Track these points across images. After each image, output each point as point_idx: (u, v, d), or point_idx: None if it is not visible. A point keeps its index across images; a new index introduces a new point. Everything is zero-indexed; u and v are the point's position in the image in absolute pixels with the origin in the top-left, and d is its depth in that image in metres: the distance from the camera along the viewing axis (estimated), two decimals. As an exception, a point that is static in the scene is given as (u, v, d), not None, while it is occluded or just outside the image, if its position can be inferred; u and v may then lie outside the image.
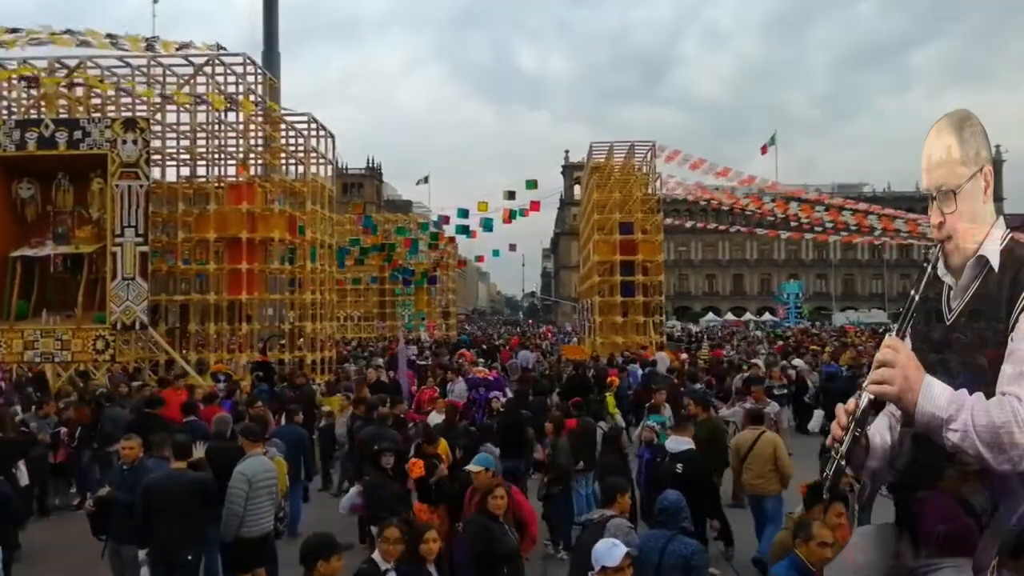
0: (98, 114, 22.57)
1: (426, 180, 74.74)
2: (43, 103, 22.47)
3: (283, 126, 24.39)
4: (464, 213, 32.30)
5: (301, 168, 25.10)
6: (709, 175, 34.98)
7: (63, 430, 12.18)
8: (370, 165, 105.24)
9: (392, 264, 40.01)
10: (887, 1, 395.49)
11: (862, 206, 38.26)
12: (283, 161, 25.44)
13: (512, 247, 44.89)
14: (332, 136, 25.07)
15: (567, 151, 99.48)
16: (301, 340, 24.07)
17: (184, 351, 22.38)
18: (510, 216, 32.26)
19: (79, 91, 22.79)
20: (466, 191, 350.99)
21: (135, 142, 20.53)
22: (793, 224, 42.72)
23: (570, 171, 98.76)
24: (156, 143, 23.19)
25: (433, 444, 8.76)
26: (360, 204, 52.64)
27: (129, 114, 22.22)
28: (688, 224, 54.27)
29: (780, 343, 33.78)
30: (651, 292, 33.96)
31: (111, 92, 22.71)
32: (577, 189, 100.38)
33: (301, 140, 24.81)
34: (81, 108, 22.70)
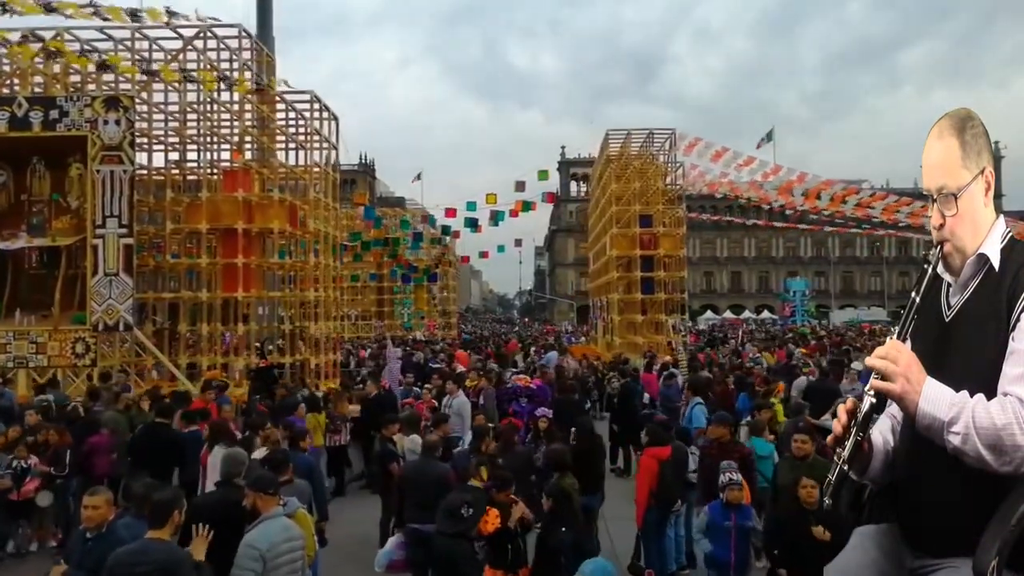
0: (77, 92, 20.56)
1: (419, 177, 72.27)
2: (15, 79, 20.51)
3: (282, 106, 22.30)
4: (473, 206, 30.71)
5: (302, 153, 23.03)
6: (731, 166, 32.94)
7: (33, 460, 9.98)
8: (363, 161, 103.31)
9: (396, 260, 38.04)
10: (877, 1, 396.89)
11: (891, 198, 36.25)
12: (282, 145, 23.38)
13: (518, 242, 43.53)
14: (336, 118, 22.90)
15: (563, 147, 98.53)
16: (303, 342, 22.02)
17: (173, 355, 20.63)
18: (522, 207, 30.58)
19: (56, 67, 20.79)
20: (459, 189, 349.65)
21: (118, 122, 18.86)
22: (814, 217, 40.73)
23: (566, 167, 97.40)
24: (142, 124, 21.42)
25: (506, 489, 6.67)
26: (363, 194, 50.31)
27: (111, 92, 20.33)
28: (703, 217, 52.11)
29: (813, 343, 31.73)
30: (671, 289, 32.11)
31: (91, 68, 20.63)
32: (574, 185, 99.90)
33: (302, 122, 22.69)
34: (58, 85, 20.75)
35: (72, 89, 20.91)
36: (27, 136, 18.76)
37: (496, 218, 30.36)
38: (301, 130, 22.89)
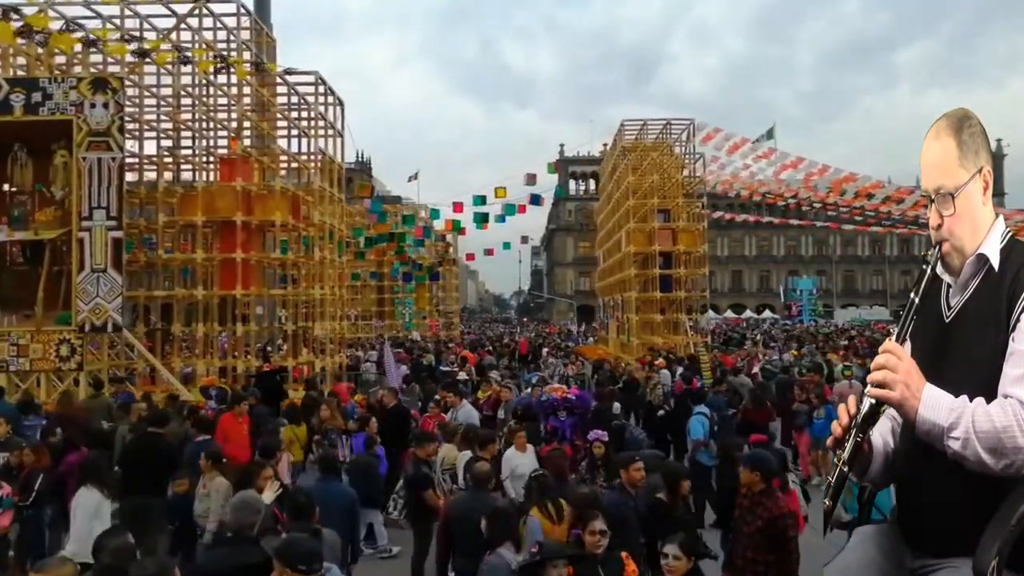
0: (62, 73, 19.53)
1: (415, 177, 71.23)
2: (-6, 59, 19.35)
3: (283, 89, 21.05)
4: (481, 200, 29.47)
5: (305, 140, 21.79)
6: (749, 157, 31.70)
7: (5, 491, 8.48)
8: (360, 159, 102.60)
9: (402, 257, 36.78)
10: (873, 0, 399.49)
11: (918, 193, 34.91)
12: (283, 131, 22.22)
13: (524, 239, 42.54)
14: (341, 103, 21.56)
15: (562, 145, 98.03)
16: (305, 344, 20.77)
17: (167, 358, 19.53)
18: (532, 200, 29.46)
19: (39, 46, 19.54)
20: (455, 188, 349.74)
21: (106, 106, 17.73)
22: (831, 214, 39.49)
23: (565, 166, 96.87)
24: (132, 108, 20.45)
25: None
26: (368, 186, 48.85)
27: (99, 73, 19.20)
28: (716, 215, 50.89)
29: (845, 343, 30.39)
30: (691, 287, 30.78)
31: (77, 47, 19.36)
32: (572, 184, 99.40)
33: (305, 106, 21.42)
34: (41, 66, 19.59)
35: (56, 70, 19.78)
36: (8, 121, 17.72)
37: (505, 212, 29.33)
38: (304, 115, 21.64)
